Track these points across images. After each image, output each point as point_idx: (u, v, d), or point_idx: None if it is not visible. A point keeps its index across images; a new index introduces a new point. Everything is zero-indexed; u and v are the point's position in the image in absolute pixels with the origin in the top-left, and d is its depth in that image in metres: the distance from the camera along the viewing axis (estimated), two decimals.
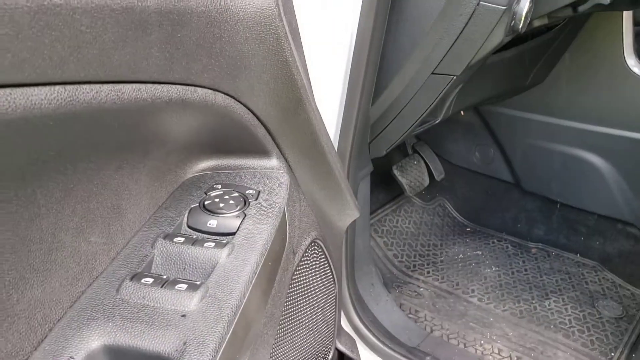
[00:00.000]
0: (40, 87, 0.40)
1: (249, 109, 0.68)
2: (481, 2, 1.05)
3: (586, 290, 1.79)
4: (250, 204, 0.70)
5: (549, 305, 1.71)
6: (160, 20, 0.50)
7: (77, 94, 0.44)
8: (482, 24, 1.08)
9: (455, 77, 1.19)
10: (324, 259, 0.96)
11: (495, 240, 2.09)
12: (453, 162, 2.24)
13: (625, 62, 1.65)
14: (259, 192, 0.72)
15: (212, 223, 0.65)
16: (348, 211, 1.02)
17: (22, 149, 0.43)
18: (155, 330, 0.51)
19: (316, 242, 0.91)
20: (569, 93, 1.82)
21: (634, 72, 1.64)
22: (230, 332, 0.53)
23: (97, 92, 0.46)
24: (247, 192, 0.72)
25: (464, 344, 1.54)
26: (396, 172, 2.08)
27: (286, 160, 0.80)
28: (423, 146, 2.24)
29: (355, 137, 1.15)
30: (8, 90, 0.38)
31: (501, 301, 1.74)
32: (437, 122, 1.53)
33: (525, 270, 1.90)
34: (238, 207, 0.68)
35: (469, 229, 2.17)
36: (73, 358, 0.50)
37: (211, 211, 0.67)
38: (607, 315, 1.67)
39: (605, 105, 1.74)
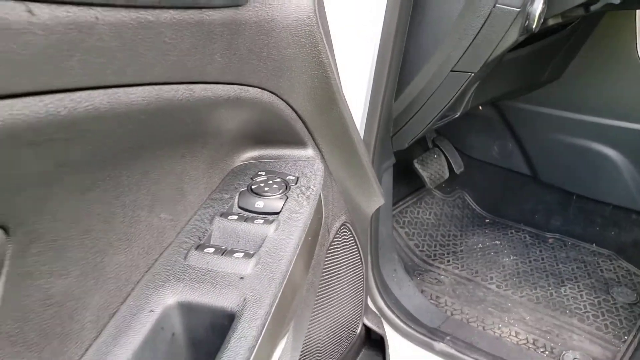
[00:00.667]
0: (136, 87, 0.51)
1: (289, 105, 0.78)
2: (497, 5, 1.14)
3: (601, 277, 1.86)
4: (291, 188, 0.80)
5: (564, 292, 1.78)
6: (222, 30, 0.60)
7: (161, 92, 0.54)
8: (498, 25, 1.16)
9: (473, 74, 1.27)
10: (353, 241, 1.05)
11: (513, 231, 2.16)
12: (472, 155, 2.31)
13: (639, 59, 1.71)
14: (298, 178, 0.83)
15: (260, 204, 0.75)
16: (374, 198, 1.11)
17: (121, 138, 0.53)
18: (219, 289, 0.62)
19: (346, 225, 1.01)
20: (584, 88, 1.88)
21: None
22: (280, 292, 0.63)
23: (175, 91, 0.56)
24: (287, 178, 0.82)
25: (483, 327, 1.62)
26: (417, 166, 2.15)
27: (320, 151, 0.90)
28: (443, 140, 2.31)
29: (379, 131, 1.24)
30: (116, 89, 0.48)
31: (519, 288, 1.81)
32: (457, 116, 1.61)
33: (542, 259, 1.97)
34: (281, 191, 0.78)
35: (487, 220, 2.25)
36: (153, 311, 0.60)
37: (258, 194, 0.77)
38: (621, 301, 1.74)
39: (620, 99, 1.80)
